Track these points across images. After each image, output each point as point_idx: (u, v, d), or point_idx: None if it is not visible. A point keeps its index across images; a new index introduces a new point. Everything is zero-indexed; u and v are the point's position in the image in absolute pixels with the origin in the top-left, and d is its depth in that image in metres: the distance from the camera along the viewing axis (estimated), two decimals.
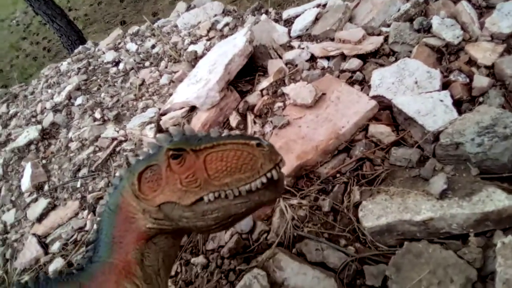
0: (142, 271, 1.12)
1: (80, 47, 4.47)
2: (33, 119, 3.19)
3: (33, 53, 9.53)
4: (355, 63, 2.03)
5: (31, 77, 8.25)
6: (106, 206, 1.18)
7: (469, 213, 1.31)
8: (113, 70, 3.30)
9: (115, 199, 1.16)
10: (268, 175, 0.97)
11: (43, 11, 6.34)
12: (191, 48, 2.89)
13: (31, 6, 6.38)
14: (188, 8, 3.98)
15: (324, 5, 2.68)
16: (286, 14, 2.79)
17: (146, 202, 1.09)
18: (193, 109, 2.25)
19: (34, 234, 2.24)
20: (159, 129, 2.28)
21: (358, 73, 2.01)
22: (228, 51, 2.21)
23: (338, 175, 1.73)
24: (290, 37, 2.54)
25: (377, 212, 1.48)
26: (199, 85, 2.18)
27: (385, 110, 1.84)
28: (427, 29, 2.03)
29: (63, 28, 6.62)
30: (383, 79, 1.87)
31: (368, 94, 1.86)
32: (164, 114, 2.36)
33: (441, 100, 1.69)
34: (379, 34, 2.16)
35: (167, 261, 1.20)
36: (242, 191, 0.98)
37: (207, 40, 2.94)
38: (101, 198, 2.19)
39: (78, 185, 2.34)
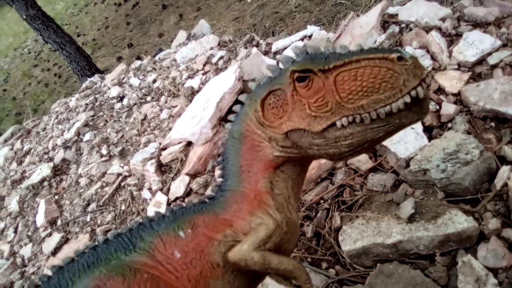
0: (274, 200, 1.09)
1: (88, 81, 4.72)
2: (45, 156, 3.41)
3: (44, 80, 9.86)
4: None
5: (43, 103, 8.58)
6: (229, 134, 1.16)
7: (433, 235, 1.45)
8: (118, 105, 3.51)
9: (238, 126, 1.13)
10: (413, 93, 0.84)
11: (53, 39, 6.65)
12: (188, 82, 3.08)
13: (41, 36, 6.69)
14: (188, 37, 4.19)
15: (310, 36, 2.86)
16: (275, 46, 2.96)
17: (271, 130, 1.05)
18: (189, 143, 2.43)
19: (49, 267, 2.41)
20: (160, 165, 2.45)
21: None
22: (219, 89, 2.40)
23: (321, 201, 1.87)
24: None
25: (354, 236, 1.63)
26: (194, 121, 2.36)
27: None
28: None
29: (72, 55, 6.92)
30: None
31: None
32: (164, 149, 2.55)
33: (413, 128, 1.83)
34: None
35: (296, 189, 1.17)
36: (381, 113, 0.87)
37: (203, 74, 3.13)
38: (109, 231, 2.37)
39: (88, 219, 2.52)
